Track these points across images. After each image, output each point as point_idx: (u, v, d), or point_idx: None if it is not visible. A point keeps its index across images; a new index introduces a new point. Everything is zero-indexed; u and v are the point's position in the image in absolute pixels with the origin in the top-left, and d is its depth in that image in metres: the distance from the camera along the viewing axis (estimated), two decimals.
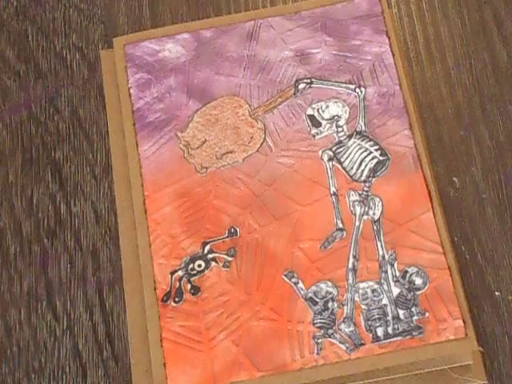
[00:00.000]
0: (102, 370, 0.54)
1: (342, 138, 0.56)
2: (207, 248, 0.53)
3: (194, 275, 0.53)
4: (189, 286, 0.52)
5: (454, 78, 0.61)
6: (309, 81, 0.58)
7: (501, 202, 0.57)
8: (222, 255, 0.53)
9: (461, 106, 0.61)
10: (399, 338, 0.50)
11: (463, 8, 0.64)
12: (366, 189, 0.54)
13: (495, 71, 0.61)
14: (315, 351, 0.50)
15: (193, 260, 0.53)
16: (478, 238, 0.56)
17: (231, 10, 0.65)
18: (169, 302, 0.52)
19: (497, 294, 0.55)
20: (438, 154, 0.59)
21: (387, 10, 0.60)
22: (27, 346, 0.55)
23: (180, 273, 0.53)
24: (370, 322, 0.50)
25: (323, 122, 0.56)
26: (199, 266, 0.53)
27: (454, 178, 0.58)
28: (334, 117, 0.56)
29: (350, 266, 0.52)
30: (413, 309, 0.50)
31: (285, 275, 0.52)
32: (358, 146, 0.55)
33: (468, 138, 0.59)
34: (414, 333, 0.50)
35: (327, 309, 0.51)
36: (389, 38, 0.58)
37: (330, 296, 0.51)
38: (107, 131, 0.59)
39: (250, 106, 0.57)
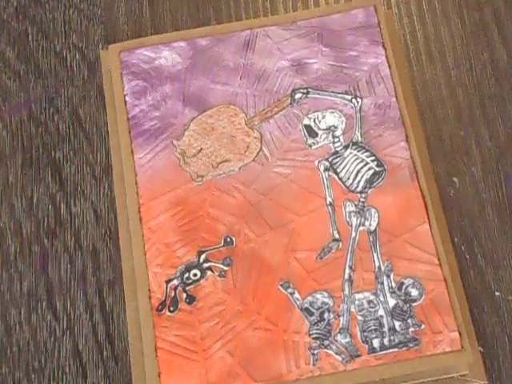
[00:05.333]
0: (102, 370, 0.54)
1: (338, 149, 0.56)
2: (203, 257, 0.53)
3: (190, 284, 0.52)
4: (184, 295, 0.52)
5: (454, 78, 0.62)
6: (305, 91, 0.58)
7: (501, 202, 0.58)
8: (217, 264, 0.53)
9: (461, 106, 0.61)
10: (395, 349, 0.50)
11: (463, 8, 0.64)
12: (362, 199, 0.54)
13: (495, 71, 0.62)
14: (311, 362, 0.50)
15: (188, 269, 0.53)
16: (478, 238, 0.56)
17: (231, 10, 0.65)
18: (164, 311, 0.52)
19: (497, 294, 0.55)
20: (438, 154, 0.59)
21: (384, 19, 0.60)
22: (27, 346, 0.55)
23: (175, 282, 0.53)
24: (366, 334, 0.50)
25: (319, 132, 0.56)
26: (195, 275, 0.53)
27: (454, 178, 0.58)
28: (330, 127, 0.57)
29: (346, 276, 0.52)
30: (409, 320, 0.50)
31: (281, 285, 0.52)
32: (355, 157, 0.55)
33: (468, 138, 0.60)
34: (410, 344, 0.50)
35: (323, 319, 0.51)
36: (385, 49, 0.58)
37: (326, 307, 0.51)
38: (107, 131, 0.59)
39: (246, 115, 0.57)
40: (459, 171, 0.59)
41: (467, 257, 0.56)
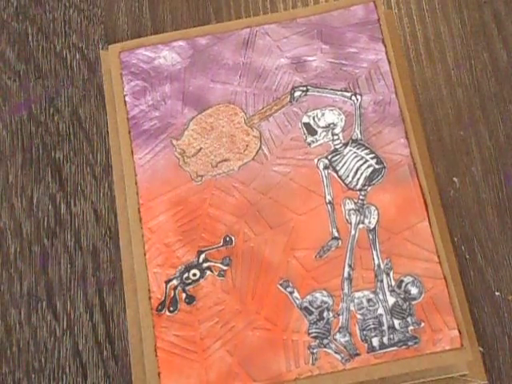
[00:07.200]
0: (102, 370, 0.54)
1: (337, 146, 0.56)
2: (202, 257, 0.53)
3: (189, 284, 0.52)
4: (184, 295, 0.52)
5: (453, 78, 0.61)
6: (305, 88, 0.58)
7: (501, 202, 0.57)
8: (217, 264, 0.53)
9: (461, 106, 0.60)
10: (394, 348, 0.49)
11: (463, 8, 0.64)
12: (361, 197, 0.54)
13: (495, 71, 0.61)
14: (310, 361, 0.50)
15: (188, 269, 0.53)
16: (478, 238, 0.56)
17: (231, 10, 0.65)
18: (163, 311, 0.52)
19: (497, 294, 0.54)
20: (438, 154, 0.59)
21: (383, 16, 0.59)
22: (27, 346, 0.55)
23: (175, 282, 0.53)
24: (365, 332, 0.50)
25: (319, 130, 0.56)
26: (194, 274, 0.53)
27: (454, 178, 0.58)
28: (329, 125, 0.56)
29: (346, 275, 0.52)
30: (408, 319, 0.50)
31: (280, 284, 0.52)
32: (354, 154, 0.55)
33: (468, 138, 0.59)
34: (410, 343, 0.49)
35: (322, 318, 0.51)
36: (385, 46, 0.58)
37: (326, 305, 0.51)
38: (107, 131, 0.60)
39: (245, 113, 0.57)
40: (459, 171, 0.58)
41: (467, 257, 0.55)
